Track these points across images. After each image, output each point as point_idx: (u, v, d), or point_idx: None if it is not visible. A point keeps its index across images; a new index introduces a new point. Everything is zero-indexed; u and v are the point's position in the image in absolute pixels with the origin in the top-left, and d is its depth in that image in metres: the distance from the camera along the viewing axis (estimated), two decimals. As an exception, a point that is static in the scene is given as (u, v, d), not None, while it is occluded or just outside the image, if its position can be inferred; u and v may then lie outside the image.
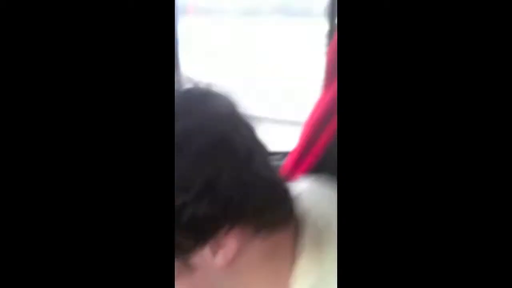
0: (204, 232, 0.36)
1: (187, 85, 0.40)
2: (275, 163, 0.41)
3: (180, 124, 0.35)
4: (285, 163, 0.69)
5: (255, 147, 0.38)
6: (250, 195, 0.36)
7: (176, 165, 0.35)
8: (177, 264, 0.37)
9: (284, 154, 0.72)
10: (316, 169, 0.67)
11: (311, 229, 0.41)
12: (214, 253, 0.37)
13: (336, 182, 0.39)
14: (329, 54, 0.75)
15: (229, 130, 0.37)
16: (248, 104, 0.40)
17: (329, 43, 0.94)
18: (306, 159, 0.69)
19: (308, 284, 0.40)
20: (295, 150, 0.69)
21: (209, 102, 0.38)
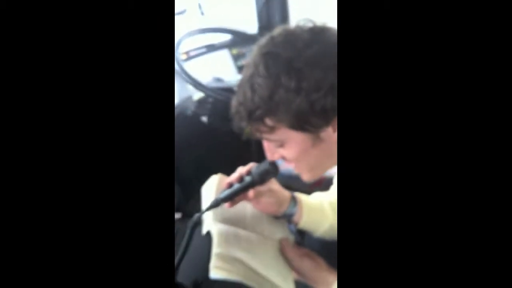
0: (329, 115, 0.57)
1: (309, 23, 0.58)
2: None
3: (310, 50, 0.55)
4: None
5: None
6: None
7: (312, 75, 0.54)
8: (312, 137, 0.60)
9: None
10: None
11: None
12: (334, 130, 0.59)
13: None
14: None
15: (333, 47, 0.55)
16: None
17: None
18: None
19: None
20: None
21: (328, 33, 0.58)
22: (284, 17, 1.47)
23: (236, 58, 1.50)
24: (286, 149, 0.63)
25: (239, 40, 1.48)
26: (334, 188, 0.87)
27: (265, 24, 1.50)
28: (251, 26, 1.55)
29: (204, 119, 1.45)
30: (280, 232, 0.78)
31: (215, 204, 0.72)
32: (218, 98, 1.19)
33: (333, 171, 1.04)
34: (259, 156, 0.96)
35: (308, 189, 0.87)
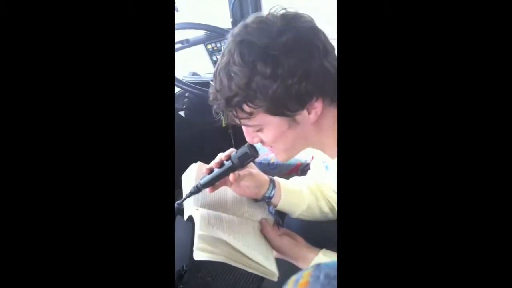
0: (304, 99, 0.60)
1: (281, 10, 0.60)
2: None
3: (284, 36, 0.57)
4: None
5: (328, 46, 0.60)
6: (329, 77, 0.59)
7: (287, 61, 0.57)
8: (288, 120, 0.62)
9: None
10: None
11: None
12: (309, 112, 0.62)
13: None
14: None
15: (313, 34, 0.59)
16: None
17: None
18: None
19: None
20: None
21: (300, 18, 0.61)
22: (257, 11, 1.51)
23: (211, 53, 1.53)
24: (264, 133, 0.65)
25: (214, 35, 1.50)
26: (310, 172, 0.91)
27: (238, 19, 1.53)
28: (225, 21, 1.58)
29: (181, 113, 1.47)
30: (260, 214, 0.82)
31: (196, 190, 0.74)
32: (194, 92, 1.21)
33: (309, 158, 1.09)
34: (236, 144, 0.99)
35: (285, 176, 0.90)
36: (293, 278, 0.37)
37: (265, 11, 1.44)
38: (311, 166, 0.92)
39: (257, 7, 1.50)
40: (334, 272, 0.35)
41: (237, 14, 1.53)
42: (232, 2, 1.50)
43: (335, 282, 0.34)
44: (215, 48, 1.52)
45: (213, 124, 0.68)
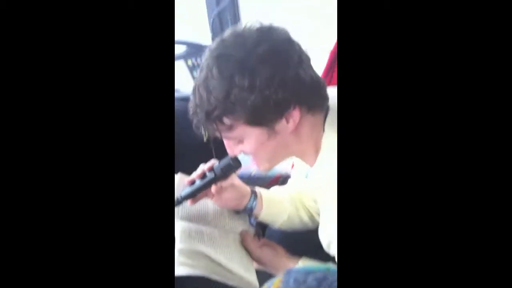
0: (283, 108, 0.61)
1: (256, 24, 0.62)
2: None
3: (260, 48, 0.59)
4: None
5: (303, 56, 0.63)
6: (304, 85, 0.61)
7: (264, 72, 0.58)
8: (268, 130, 0.63)
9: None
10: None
11: (332, 115, 0.67)
12: (288, 121, 0.63)
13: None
14: None
15: (288, 45, 0.62)
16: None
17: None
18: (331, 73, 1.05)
19: (328, 146, 0.66)
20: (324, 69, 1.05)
21: (275, 31, 0.62)
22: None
23: (191, 68, 1.55)
24: (245, 144, 0.66)
25: (194, 51, 1.52)
26: (290, 181, 0.93)
27: (218, 35, 1.55)
28: (205, 38, 1.60)
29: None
30: (241, 226, 0.82)
31: (177, 203, 0.74)
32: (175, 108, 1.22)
33: (288, 169, 1.11)
34: (217, 156, 0.99)
35: (266, 187, 0.92)
36: (265, 285, 0.38)
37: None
38: (291, 174, 0.93)
39: (236, 22, 1.53)
40: (303, 277, 0.35)
41: (217, 31, 1.55)
42: (212, 19, 1.52)
43: (304, 287, 0.34)
44: (195, 63, 1.54)
45: (194, 137, 0.68)
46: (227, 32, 0.63)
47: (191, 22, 1.64)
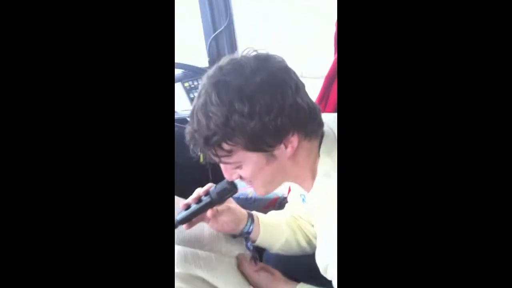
0: (282, 134, 0.62)
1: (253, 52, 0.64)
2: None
3: (258, 76, 0.60)
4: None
5: (299, 83, 0.64)
6: (302, 112, 0.62)
7: (263, 99, 0.59)
8: (267, 156, 0.64)
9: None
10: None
11: (327, 141, 0.68)
12: (286, 146, 0.63)
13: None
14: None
15: (285, 73, 0.63)
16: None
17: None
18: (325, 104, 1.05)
19: (324, 171, 0.67)
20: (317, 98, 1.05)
21: (272, 59, 0.64)
22: (233, 50, 1.56)
23: (188, 90, 1.56)
24: (243, 169, 0.66)
25: (191, 73, 1.54)
26: (288, 205, 0.92)
27: (214, 58, 1.57)
28: (201, 60, 1.62)
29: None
30: (237, 249, 0.81)
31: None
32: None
33: (286, 192, 1.10)
34: (214, 179, 0.99)
35: (263, 210, 0.91)
36: None
37: (240, 50, 1.49)
38: (288, 199, 0.93)
39: (233, 46, 1.55)
40: None
41: (214, 53, 1.57)
42: (209, 42, 1.55)
43: None
44: (192, 86, 1.55)
45: (190, 159, 0.68)
46: (225, 60, 0.64)
47: (188, 45, 1.66)
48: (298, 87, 0.63)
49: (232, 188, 0.73)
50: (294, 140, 0.63)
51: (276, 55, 0.65)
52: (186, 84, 1.55)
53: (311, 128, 0.65)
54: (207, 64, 1.59)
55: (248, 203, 1.21)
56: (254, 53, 0.64)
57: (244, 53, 0.64)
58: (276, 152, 0.63)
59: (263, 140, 0.61)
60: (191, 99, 1.53)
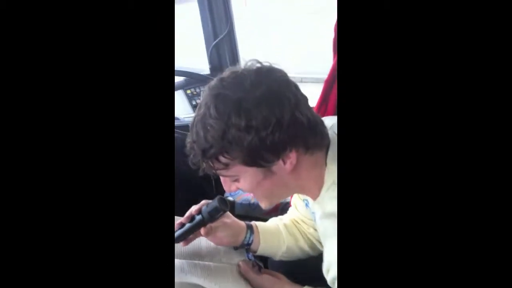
0: (279, 150, 0.61)
1: (256, 64, 0.64)
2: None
3: (258, 90, 0.60)
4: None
5: (300, 96, 0.63)
6: (301, 127, 0.61)
7: (260, 113, 0.59)
8: (264, 170, 0.63)
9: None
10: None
11: (334, 150, 0.67)
12: (285, 162, 0.63)
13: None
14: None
15: (285, 87, 0.62)
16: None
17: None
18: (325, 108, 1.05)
19: (332, 180, 0.66)
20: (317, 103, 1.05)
21: (273, 73, 0.64)
22: (234, 57, 1.57)
23: (190, 97, 1.57)
24: (241, 182, 0.66)
25: (193, 80, 1.55)
26: (291, 210, 0.92)
27: (216, 65, 1.58)
28: (203, 67, 1.63)
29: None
30: (237, 257, 0.81)
31: None
32: (175, 135, 1.23)
33: (288, 197, 1.10)
34: (218, 188, 0.99)
35: (265, 215, 0.91)
36: None
37: (242, 58, 1.50)
38: (292, 202, 0.93)
39: (234, 54, 1.56)
40: None
41: (215, 60, 1.59)
42: (210, 49, 1.56)
43: None
44: (195, 93, 1.57)
45: (193, 166, 0.68)
46: (227, 72, 0.64)
47: (190, 52, 1.68)
48: (298, 100, 0.62)
49: (223, 207, 0.73)
50: (292, 156, 0.63)
51: (278, 68, 0.65)
52: (188, 91, 1.57)
53: (312, 142, 0.64)
54: (208, 72, 1.60)
55: (251, 208, 1.21)
56: (258, 65, 0.64)
57: (247, 65, 0.64)
58: (275, 167, 0.63)
59: (260, 155, 0.61)
60: (193, 106, 1.54)
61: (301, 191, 0.72)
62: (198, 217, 0.74)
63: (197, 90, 1.56)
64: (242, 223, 0.82)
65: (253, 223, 0.84)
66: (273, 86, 0.61)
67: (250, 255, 0.81)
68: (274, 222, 0.89)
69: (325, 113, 1.05)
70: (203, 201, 0.76)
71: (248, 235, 0.81)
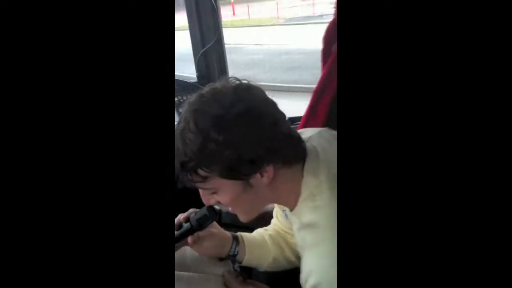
0: (257, 164, 0.63)
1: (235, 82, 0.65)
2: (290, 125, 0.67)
3: (236, 108, 0.60)
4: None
5: (278, 114, 0.65)
6: (278, 143, 0.63)
7: (238, 130, 0.59)
8: (243, 184, 0.64)
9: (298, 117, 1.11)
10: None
11: (311, 159, 0.68)
12: (262, 176, 0.64)
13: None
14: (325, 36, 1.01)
15: (263, 105, 0.64)
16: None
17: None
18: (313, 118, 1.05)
19: (308, 191, 0.67)
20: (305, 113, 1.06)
21: (252, 90, 0.65)
22: (222, 66, 1.57)
23: (177, 105, 1.56)
24: (220, 195, 0.67)
25: (180, 88, 1.54)
26: (273, 221, 0.92)
27: (203, 73, 1.58)
28: (190, 75, 1.63)
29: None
30: (222, 268, 0.80)
31: None
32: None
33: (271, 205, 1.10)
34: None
35: (252, 224, 0.90)
36: None
37: (229, 67, 1.49)
38: (274, 213, 0.93)
39: (222, 62, 1.56)
40: None
41: (202, 68, 1.58)
42: (198, 57, 1.56)
43: None
44: (181, 100, 1.56)
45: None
46: (207, 88, 0.65)
47: (178, 60, 1.67)
48: (275, 118, 0.64)
49: (212, 215, 0.73)
50: (269, 170, 0.64)
51: (256, 86, 0.66)
52: (176, 99, 1.55)
53: (289, 156, 0.66)
54: (196, 79, 1.60)
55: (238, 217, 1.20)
56: (237, 82, 0.65)
57: (226, 83, 0.65)
58: (253, 180, 0.64)
59: (238, 170, 0.62)
60: (179, 114, 1.53)
61: (280, 202, 0.73)
62: (186, 225, 0.73)
63: (184, 97, 1.55)
64: (228, 234, 0.82)
65: (238, 234, 0.84)
66: (251, 103, 0.62)
67: (236, 265, 0.80)
68: (259, 233, 0.89)
69: (313, 124, 1.05)
70: (191, 209, 0.76)
71: (233, 246, 0.81)
